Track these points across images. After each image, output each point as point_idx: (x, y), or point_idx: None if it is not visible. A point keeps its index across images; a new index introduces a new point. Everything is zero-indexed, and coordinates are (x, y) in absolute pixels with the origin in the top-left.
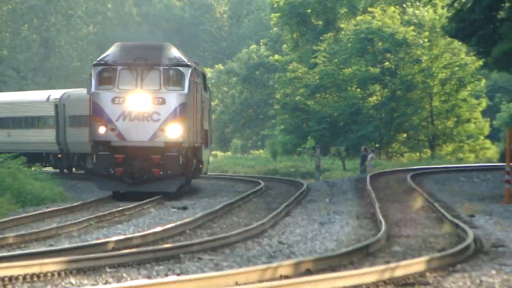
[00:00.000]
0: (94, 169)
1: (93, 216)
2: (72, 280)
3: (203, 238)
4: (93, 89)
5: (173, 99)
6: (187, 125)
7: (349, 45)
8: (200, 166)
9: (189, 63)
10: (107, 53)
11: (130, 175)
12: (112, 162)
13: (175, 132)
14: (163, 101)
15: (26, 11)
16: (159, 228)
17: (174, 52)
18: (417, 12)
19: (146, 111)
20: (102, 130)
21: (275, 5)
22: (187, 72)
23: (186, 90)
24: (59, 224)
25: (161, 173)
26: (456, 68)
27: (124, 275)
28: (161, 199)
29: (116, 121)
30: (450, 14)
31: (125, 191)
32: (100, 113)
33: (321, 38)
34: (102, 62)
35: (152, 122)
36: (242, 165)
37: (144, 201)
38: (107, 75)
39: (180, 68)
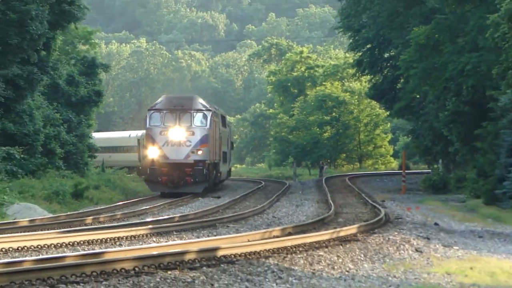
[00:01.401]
0: (148, 178)
1: (165, 202)
2: (154, 239)
3: (229, 214)
4: (147, 125)
5: (200, 131)
6: (209, 149)
7: (312, 103)
8: (219, 175)
9: (210, 109)
10: (157, 101)
11: (171, 181)
12: (159, 173)
13: (200, 153)
14: (193, 133)
15: (127, 84)
16: (204, 208)
17: (201, 101)
18: (351, 84)
19: (181, 139)
20: (153, 152)
21: (270, 81)
22: (209, 114)
23: (208, 126)
24: (147, 207)
25: (192, 180)
26: (373, 116)
27: (184, 236)
28: (204, 193)
29: (162, 146)
30: (369, 85)
31: (168, 192)
32: (152, 141)
33: (296, 100)
34: (153, 107)
35: (185, 147)
36: (251, 172)
37: (196, 194)
38: (156, 115)
39: (204, 111)
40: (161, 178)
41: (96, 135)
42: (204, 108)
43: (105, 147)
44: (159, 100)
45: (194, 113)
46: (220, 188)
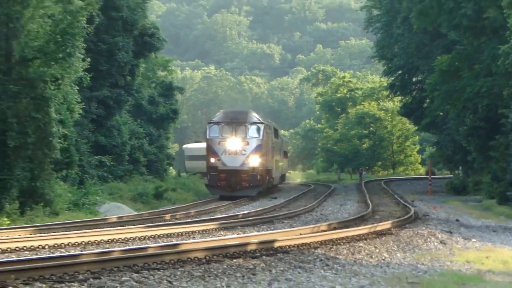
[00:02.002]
0: (208, 183)
1: (230, 202)
2: (222, 232)
3: (284, 212)
4: (207, 136)
5: (253, 142)
6: (262, 157)
7: (353, 120)
8: (272, 180)
9: (263, 122)
10: (215, 115)
11: (229, 186)
12: (218, 179)
13: (254, 161)
14: (247, 143)
15: (199, 104)
16: (263, 207)
17: (254, 115)
18: (385, 104)
19: (238, 149)
20: (213, 160)
21: (318, 101)
22: (262, 127)
23: (261, 137)
24: (215, 206)
25: (247, 184)
26: (404, 130)
27: (246, 230)
28: (260, 195)
29: (220, 155)
30: (400, 105)
31: (226, 195)
32: (211, 150)
33: (339, 117)
34: (213, 121)
35: (241, 155)
36: (303, 177)
37: (257, 196)
38: (215, 128)
39: (257, 124)
40: (220, 183)
41: (194, 145)
42: (257, 121)
43: (200, 156)
44: (218, 114)
45: (249, 126)
46: (276, 190)
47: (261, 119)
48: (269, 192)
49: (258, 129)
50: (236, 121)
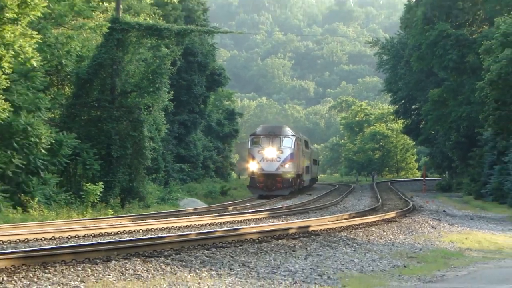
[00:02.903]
0: (250, 184)
1: (276, 198)
2: (270, 220)
3: (316, 205)
4: (249, 146)
5: (286, 151)
6: (293, 163)
7: (367, 137)
8: (302, 182)
9: (294, 134)
10: (256, 129)
11: (266, 187)
12: (258, 181)
13: (287, 166)
14: (282, 152)
15: (254, 125)
16: (300, 201)
17: (288, 129)
18: (391, 125)
19: (273, 157)
20: (253, 166)
21: (342, 123)
22: (293, 139)
23: (292, 147)
24: (265, 200)
25: (281, 186)
26: (405, 145)
27: (288, 218)
28: (301, 192)
29: (259, 161)
30: (403, 125)
31: (264, 194)
32: (252, 157)
33: (357, 134)
34: (253, 133)
35: (276, 162)
36: (330, 179)
37: (294, 194)
38: (255, 139)
39: (290, 136)
40: (259, 185)
41: None
42: (290, 134)
43: None
44: (258, 128)
45: (283, 138)
46: (310, 189)
47: (293, 132)
48: (304, 191)
49: (291, 141)
50: (273, 134)
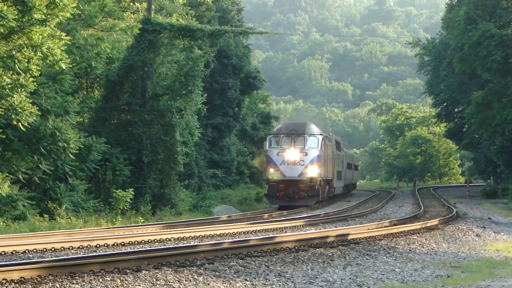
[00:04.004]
0: (268, 193)
1: (315, 204)
2: (307, 228)
3: (355, 212)
4: (266, 147)
5: (312, 153)
6: (320, 167)
7: (408, 141)
8: (333, 190)
9: (322, 133)
10: (276, 127)
11: (287, 196)
12: (277, 189)
13: (312, 171)
14: (306, 154)
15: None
16: (339, 208)
17: (314, 127)
18: (433, 129)
19: (296, 159)
20: (272, 171)
21: (382, 127)
22: (320, 138)
23: (319, 148)
24: (302, 208)
25: (305, 194)
26: (448, 149)
27: (326, 226)
28: (340, 198)
29: (279, 165)
30: (445, 129)
31: (285, 205)
32: (270, 161)
33: (398, 138)
34: (272, 132)
35: (299, 166)
36: (370, 185)
37: (334, 199)
38: (275, 139)
39: (316, 135)
40: (278, 193)
41: None
42: (316, 133)
43: None
44: (278, 126)
45: (307, 137)
46: (349, 195)
47: (320, 131)
48: (347, 195)
49: (317, 140)
50: (295, 132)
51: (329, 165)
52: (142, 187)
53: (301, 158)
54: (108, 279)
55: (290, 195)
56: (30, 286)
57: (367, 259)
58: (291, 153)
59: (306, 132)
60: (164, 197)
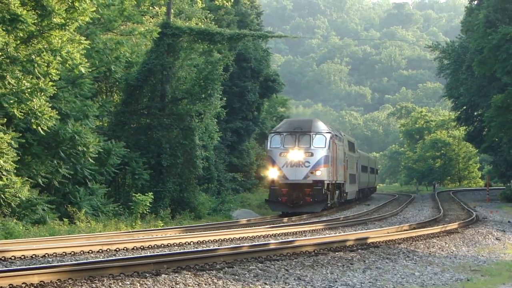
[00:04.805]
0: (269, 198)
1: (335, 208)
2: (326, 232)
3: (375, 216)
4: (268, 147)
5: (318, 153)
6: (328, 169)
7: (428, 144)
8: (345, 195)
9: (330, 131)
10: (278, 125)
11: (291, 201)
12: (279, 194)
13: (319, 173)
14: (311, 154)
15: None
16: (358, 212)
17: (320, 124)
18: (453, 132)
19: (300, 160)
20: (273, 173)
21: (401, 130)
22: (328, 136)
23: (327, 147)
24: (322, 212)
25: (311, 200)
26: (468, 153)
27: (346, 229)
28: (360, 202)
29: (282, 167)
30: (465, 133)
31: (288, 212)
32: (272, 162)
33: (417, 142)
34: (274, 130)
35: (304, 167)
36: (389, 189)
37: (353, 203)
38: (276, 138)
39: (323, 134)
40: (281, 198)
41: None
42: (323, 131)
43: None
44: (281, 123)
45: (313, 135)
46: (369, 199)
47: (328, 129)
48: (363, 200)
49: (324, 139)
50: (300, 131)
51: (340, 167)
52: (162, 191)
53: (306, 159)
54: (128, 283)
55: (293, 201)
56: None
57: (386, 262)
58: (295, 154)
59: (312, 130)
60: (183, 201)
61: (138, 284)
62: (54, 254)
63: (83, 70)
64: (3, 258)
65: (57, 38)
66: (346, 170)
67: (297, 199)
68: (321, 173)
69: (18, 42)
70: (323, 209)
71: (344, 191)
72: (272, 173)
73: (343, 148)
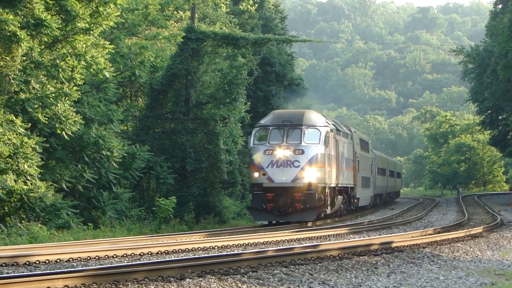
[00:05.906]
0: (251, 204)
1: (360, 212)
2: (351, 236)
3: (399, 220)
4: (251, 144)
5: (311, 150)
6: (323, 169)
7: (452, 149)
8: (355, 200)
9: (326, 125)
10: (265, 118)
11: (278, 209)
12: (264, 199)
13: (311, 175)
14: (302, 152)
15: None
16: (383, 216)
17: (314, 116)
18: (477, 136)
19: (289, 159)
20: (256, 175)
21: (425, 134)
22: (323, 131)
23: (321, 144)
24: (346, 216)
25: (302, 206)
26: (492, 157)
27: (370, 233)
28: (383, 206)
29: (266, 168)
30: (489, 137)
31: (273, 221)
32: (255, 162)
33: (442, 146)
34: (259, 124)
35: (293, 167)
36: (414, 193)
37: (379, 207)
38: (262, 133)
39: (317, 127)
40: (265, 205)
41: None
42: (317, 124)
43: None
44: (268, 116)
45: (305, 129)
46: (393, 203)
47: (324, 122)
48: (387, 205)
49: (318, 134)
50: (289, 124)
51: (345, 168)
52: (186, 196)
53: (296, 158)
54: (152, 287)
55: (280, 208)
56: None
57: (411, 267)
58: (283, 151)
59: (304, 123)
60: (207, 205)
61: None
62: (79, 259)
63: (107, 74)
64: (28, 263)
65: (81, 43)
66: (357, 172)
67: (284, 206)
68: (313, 174)
69: (43, 46)
70: (317, 218)
71: (354, 197)
72: (255, 175)
73: (352, 146)
